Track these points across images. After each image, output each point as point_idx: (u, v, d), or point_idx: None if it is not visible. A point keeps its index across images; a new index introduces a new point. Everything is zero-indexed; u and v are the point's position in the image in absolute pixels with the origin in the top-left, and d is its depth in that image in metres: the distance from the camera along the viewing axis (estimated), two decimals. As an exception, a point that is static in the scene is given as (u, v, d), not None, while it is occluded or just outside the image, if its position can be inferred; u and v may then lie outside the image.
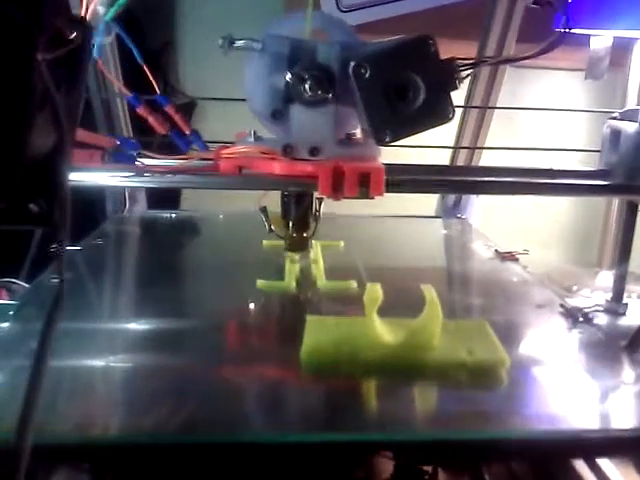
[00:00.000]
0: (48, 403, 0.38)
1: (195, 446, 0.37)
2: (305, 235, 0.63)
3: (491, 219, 1.05)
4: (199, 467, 0.38)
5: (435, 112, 0.48)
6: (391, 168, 0.63)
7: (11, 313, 0.54)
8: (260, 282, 0.63)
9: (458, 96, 1.04)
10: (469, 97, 1.01)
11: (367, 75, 0.46)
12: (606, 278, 1.15)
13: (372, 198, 0.51)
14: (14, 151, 0.25)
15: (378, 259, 0.80)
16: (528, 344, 0.55)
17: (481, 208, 1.08)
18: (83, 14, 0.45)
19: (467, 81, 1.01)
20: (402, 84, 0.47)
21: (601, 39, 1.05)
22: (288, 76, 0.49)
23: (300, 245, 0.64)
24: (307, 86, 0.49)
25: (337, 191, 0.50)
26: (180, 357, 0.49)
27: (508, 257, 0.78)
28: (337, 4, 1.23)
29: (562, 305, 0.62)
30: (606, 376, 0.48)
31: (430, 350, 0.48)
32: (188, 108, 1.28)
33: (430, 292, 0.48)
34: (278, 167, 0.51)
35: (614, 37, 1.05)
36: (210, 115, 1.24)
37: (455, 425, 0.41)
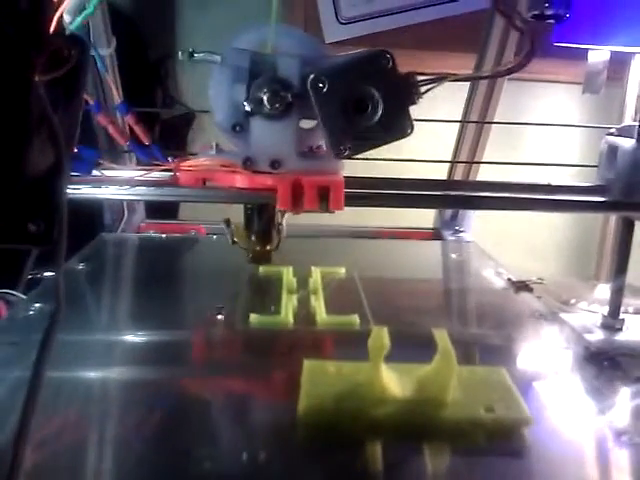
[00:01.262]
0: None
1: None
2: (269, 248, 0.62)
3: (488, 232, 1.05)
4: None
5: (393, 126, 0.48)
6: (388, 182, 0.63)
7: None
8: (253, 317, 0.60)
9: (456, 111, 1.04)
10: (467, 111, 1.02)
11: (325, 89, 0.46)
12: (604, 291, 1.15)
13: (332, 212, 0.51)
14: (12, 171, 0.25)
15: (382, 288, 0.74)
16: (552, 394, 0.49)
17: (478, 220, 1.08)
18: (54, 24, 0.45)
19: (464, 95, 1.02)
20: (360, 98, 0.47)
21: (599, 54, 1.05)
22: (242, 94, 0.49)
23: (263, 258, 0.63)
24: (266, 100, 0.49)
25: (296, 204, 0.50)
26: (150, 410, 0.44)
27: (521, 287, 0.74)
28: (337, 16, 1.24)
29: (587, 348, 0.57)
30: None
31: (443, 406, 0.43)
32: (187, 119, 1.28)
33: (443, 339, 0.43)
34: (239, 180, 0.51)
35: (612, 52, 1.05)
36: (209, 126, 1.24)
37: None
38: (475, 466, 0.38)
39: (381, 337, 0.43)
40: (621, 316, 0.64)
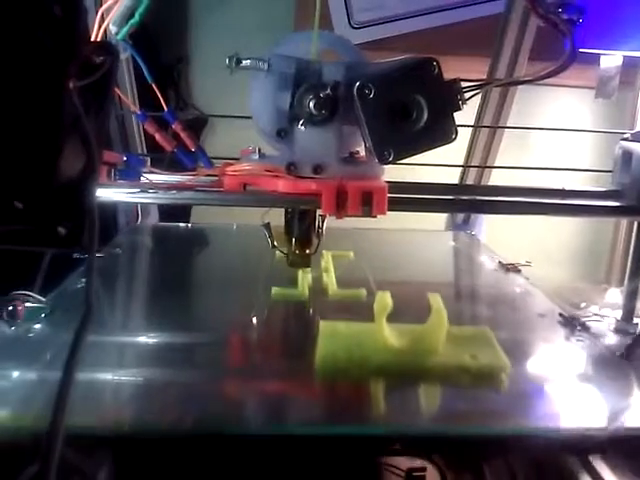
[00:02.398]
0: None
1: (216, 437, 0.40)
2: (308, 252, 0.63)
3: (499, 236, 1.05)
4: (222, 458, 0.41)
5: (438, 132, 0.48)
6: (401, 186, 0.64)
7: (43, 315, 0.58)
8: (275, 290, 0.66)
9: (468, 115, 1.05)
10: (479, 116, 1.02)
11: (371, 95, 0.47)
12: (614, 295, 1.15)
13: (374, 217, 0.51)
14: (45, 176, 0.25)
15: (386, 268, 0.82)
16: (528, 350, 0.57)
17: (489, 225, 1.08)
18: (96, 34, 0.46)
19: (477, 100, 1.03)
20: (405, 104, 0.47)
21: (611, 58, 1.05)
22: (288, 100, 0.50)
23: (302, 262, 0.64)
24: (312, 106, 0.50)
25: (340, 209, 0.51)
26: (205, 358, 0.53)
27: (511, 269, 0.82)
28: (349, 21, 1.24)
29: (561, 314, 0.64)
30: (597, 378, 0.51)
31: (435, 355, 0.50)
32: (199, 123, 1.29)
33: (436, 300, 0.51)
34: (282, 185, 0.52)
35: (624, 56, 1.05)
36: (221, 130, 1.25)
37: (456, 421, 0.44)
38: (459, 400, 0.47)
39: (385, 298, 0.50)
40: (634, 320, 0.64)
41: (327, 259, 0.75)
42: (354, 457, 0.44)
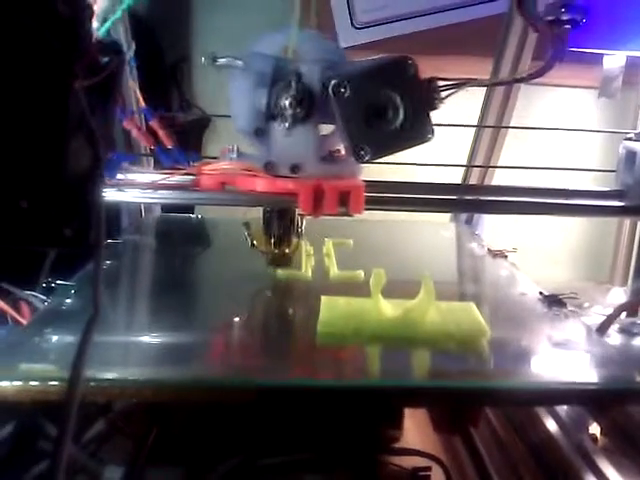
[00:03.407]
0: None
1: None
2: (287, 251, 0.63)
3: (502, 235, 1.05)
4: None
5: (414, 132, 0.48)
6: (404, 186, 0.64)
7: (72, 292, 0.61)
8: (280, 272, 0.67)
9: (472, 115, 1.05)
10: (483, 116, 1.02)
11: (347, 94, 0.47)
12: (618, 295, 1.15)
13: (351, 216, 0.52)
14: (50, 175, 0.25)
15: (383, 254, 0.86)
16: (508, 321, 0.61)
17: (492, 224, 1.08)
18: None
19: (480, 100, 1.02)
20: (382, 103, 0.47)
21: (614, 58, 1.05)
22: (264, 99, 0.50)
23: (282, 261, 0.64)
24: (288, 104, 0.50)
25: (317, 208, 0.51)
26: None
27: (498, 254, 0.85)
28: (351, 21, 1.24)
29: (540, 292, 0.66)
30: (568, 345, 0.54)
31: (424, 324, 0.54)
32: (201, 123, 1.29)
33: (427, 279, 0.54)
34: (260, 184, 0.52)
35: (627, 56, 1.05)
36: (223, 131, 1.25)
37: (443, 377, 0.48)
38: (445, 362, 0.51)
39: (380, 275, 0.54)
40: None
41: (328, 246, 0.78)
42: (353, 408, 0.53)
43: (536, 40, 0.96)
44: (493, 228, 1.07)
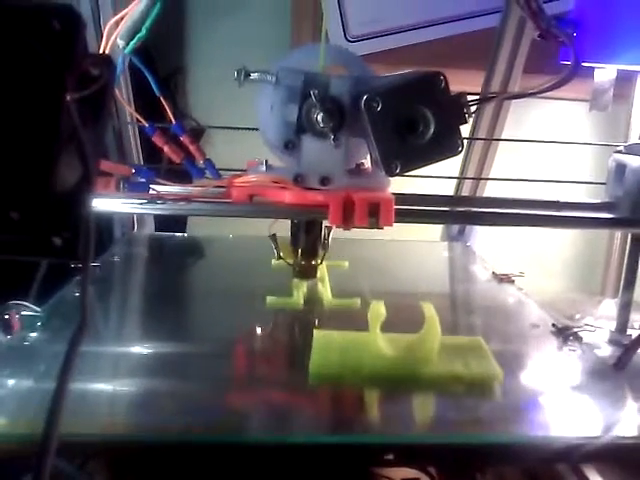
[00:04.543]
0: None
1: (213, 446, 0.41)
2: (313, 263, 0.64)
3: (494, 247, 1.06)
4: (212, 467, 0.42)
5: (444, 145, 0.49)
6: (398, 198, 0.64)
7: (39, 324, 0.58)
8: (270, 299, 0.66)
9: (463, 126, 1.05)
10: (474, 128, 1.03)
11: (379, 109, 0.47)
12: (609, 306, 1.15)
13: (381, 228, 0.52)
14: (41, 186, 0.26)
15: (380, 278, 0.83)
16: (520, 360, 0.57)
17: (484, 236, 1.08)
18: (103, 48, 0.47)
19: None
20: (412, 118, 0.48)
21: (605, 71, 1.06)
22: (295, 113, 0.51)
23: (308, 272, 0.65)
24: (319, 118, 0.50)
25: (347, 221, 0.51)
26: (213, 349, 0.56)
27: (505, 279, 0.82)
28: (344, 34, 1.25)
29: (554, 325, 0.64)
30: (588, 388, 0.52)
31: (428, 364, 0.51)
32: (196, 134, 1.29)
33: (429, 309, 0.51)
34: (289, 196, 0.52)
35: (618, 70, 1.06)
36: (217, 141, 1.25)
37: (450, 430, 0.44)
38: (452, 408, 0.47)
39: (379, 308, 0.51)
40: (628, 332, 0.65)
41: (322, 269, 0.73)
42: (347, 467, 0.45)
43: (527, 53, 0.96)
44: (485, 241, 1.08)
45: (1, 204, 0.25)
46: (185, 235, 1.04)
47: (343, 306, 0.67)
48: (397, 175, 0.49)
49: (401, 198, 0.64)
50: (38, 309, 0.63)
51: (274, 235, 0.65)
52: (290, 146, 0.53)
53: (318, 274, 0.71)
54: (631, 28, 0.99)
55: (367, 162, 0.57)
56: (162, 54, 1.31)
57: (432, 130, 0.48)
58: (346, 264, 0.81)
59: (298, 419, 0.46)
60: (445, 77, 0.48)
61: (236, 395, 0.49)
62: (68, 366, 0.27)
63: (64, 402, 0.27)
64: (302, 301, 0.66)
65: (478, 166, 1.03)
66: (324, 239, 0.63)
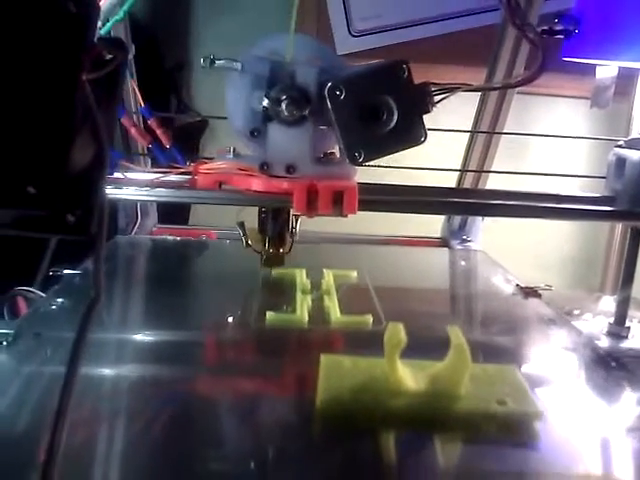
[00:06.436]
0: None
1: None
2: (282, 251, 0.64)
3: (494, 243, 1.06)
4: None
5: (407, 134, 0.50)
6: (398, 189, 0.65)
7: (4, 343, 0.51)
8: (270, 315, 0.60)
9: (466, 121, 1.06)
10: (477, 121, 1.03)
11: (342, 97, 0.48)
12: (608, 303, 1.16)
13: (345, 216, 0.52)
14: (58, 162, 0.26)
15: (393, 291, 0.75)
16: (562, 392, 0.50)
17: (484, 231, 1.09)
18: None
19: (475, 105, 1.04)
20: (376, 106, 0.48)
21: (607, 69, 1.06)
22: (265, 101, 0.51)
23: (276, 261, 0.65)
24: (284, 106, 0.51)
25: (311, 208, 0.52)
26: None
27: (531, 293, 0.74)
28: (348, 29, 1.26)
29: (594, 350, 0.58)
30: None
31: (457, 399, 0.43)
32: (200, 126, 1.30)
33: (457, 335, 0.44)
34: (255, 183, 0.53)
35: (619, 67, 1.06)
36: (221, 134, 1.26)
37: None
38: (487, 457, 0.39)
39: (397, 332, 0.43)
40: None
41: (328, 279, 0.70)
42: None
43: (529, 50, 0.97)
44: (486, 236, 1.08)
45: (19, 178, 0.26)
46: (178, 239, 0.93)
47: (353, 324, 0.60)
48: (360, 164, 0.49)
49: (405, 190, 0.65)
50: (43, 295, 0.63)
51: (242, 223, 0.64)
52: (256, 134, 0.53)
53: (324, 285, 0.69)
54: (633, 25, 0.99)
55: (337, 151, 0.57)
56: (168, 48, 1.32)
57: (395, 119, 0.48)
58: (354, 274, 0.75)
59: (302, 467, 0.38)
60: (408, 66, 0.48)
61: (226, 437, 0.41)
62: (80, 343, 0.27)
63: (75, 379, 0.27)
64: (306, 318, 0.60)
65: (480, 160, 1.04)
66: (292, 227, 0.63)
